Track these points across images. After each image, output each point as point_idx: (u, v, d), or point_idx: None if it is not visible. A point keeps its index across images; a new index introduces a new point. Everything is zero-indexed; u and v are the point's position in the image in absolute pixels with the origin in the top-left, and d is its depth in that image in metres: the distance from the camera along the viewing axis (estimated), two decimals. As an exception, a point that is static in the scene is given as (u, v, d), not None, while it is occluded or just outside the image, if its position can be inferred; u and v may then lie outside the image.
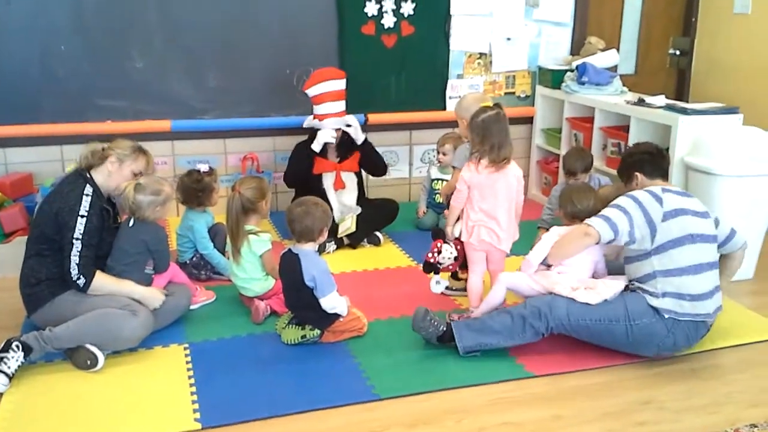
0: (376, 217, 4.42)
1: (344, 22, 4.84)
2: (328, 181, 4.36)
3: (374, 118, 4.98)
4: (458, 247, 3.35)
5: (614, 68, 5.14)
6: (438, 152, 4.66)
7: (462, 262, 3.40)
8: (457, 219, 3.33)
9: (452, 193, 3.64)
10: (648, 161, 3.17)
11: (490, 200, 3.19)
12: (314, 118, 4.39)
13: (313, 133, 4.39)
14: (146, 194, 3.16)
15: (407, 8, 4.92)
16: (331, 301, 3.03)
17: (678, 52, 5.76)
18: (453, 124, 5.12)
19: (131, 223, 3.19)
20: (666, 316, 2.91)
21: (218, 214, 3.87)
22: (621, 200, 3.01)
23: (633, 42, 5.70)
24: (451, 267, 3.42)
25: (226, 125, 4.82)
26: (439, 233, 3.43)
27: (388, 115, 5.07)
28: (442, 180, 4.66)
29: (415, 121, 5.16)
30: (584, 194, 3.32)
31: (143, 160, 3.29)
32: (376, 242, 4.38)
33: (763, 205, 3.76)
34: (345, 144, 4.44)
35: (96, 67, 4.49)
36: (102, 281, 3.05)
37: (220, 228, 3.90)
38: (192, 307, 3.44)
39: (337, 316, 3.10)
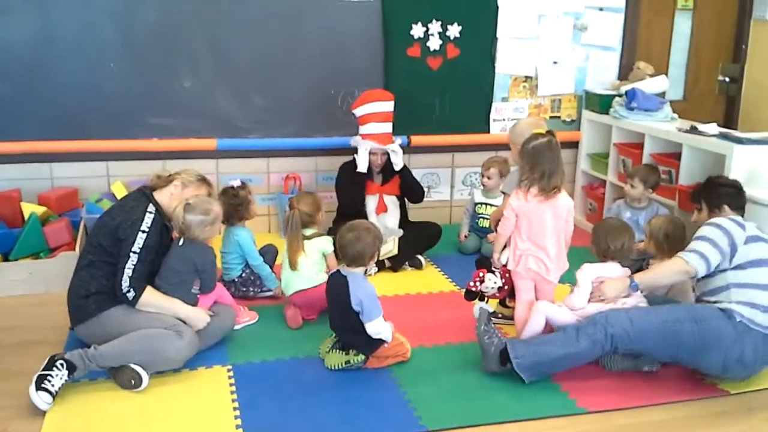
0: (418, 240, 4.38)
1: (390, 44, 4.83)
2: (370, 204, 4.34)
3: (417, 140, 4.95)
4: (506, 275, 3.28)
5: (662, 94, 5.05)
6: (482, 176, 4.61)
7: (510, 291, 3.32)
8: (504, 246, 3.26)
9: (500, 220, 3.61)
10: (736, 196, 3.28)
11: (538, 229, 3.12)
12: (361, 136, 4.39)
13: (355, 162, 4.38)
14: (196, 214, 3.16)
15: (453, 31, 4.90)
16: (377, 327, 2.99)
17: (727, 79, 5.64)
18: (496, 147, 5.15)
19: (181, 242, 3.18)
20: (737, 320, 2.88)
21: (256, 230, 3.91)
22: (708, 231, 3.04)
23: (681, 67, 5.60)
24: (497, 295, 3.35)
25: (270, 145, 4.83)
26: (483, 262, 3.37)
27: (432, 137, 5.03)
28: (486, 204, 4.60)
29: (459, 143, 5.12)
30: (618, 233, 3.22)
31: (205, 189, 3.34)
32: (418, 265, 4.33)
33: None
34: (388, 168, 4.42)
35: (144, 86, 4.53)
36: (151, 297, 3.04)
37: (270, 248, 3.99)
38: (235, 327, 3.42)
39: (381, 341, 3.05)
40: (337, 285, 3.02)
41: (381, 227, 4.27)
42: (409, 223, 4.50)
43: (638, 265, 3.90)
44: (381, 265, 4.24)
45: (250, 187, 3.91)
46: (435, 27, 4.86)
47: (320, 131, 4.87)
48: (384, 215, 4.35)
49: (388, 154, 4.35)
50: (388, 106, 4.41)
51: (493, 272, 3.30)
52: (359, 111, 4.37)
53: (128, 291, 2.98)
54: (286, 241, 3.56)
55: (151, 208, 3.11)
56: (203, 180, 3.35)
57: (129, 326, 2.99)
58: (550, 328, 3.14)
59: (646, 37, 5.38)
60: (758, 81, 5.48)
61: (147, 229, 3.03)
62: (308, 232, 3.57)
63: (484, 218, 4.61)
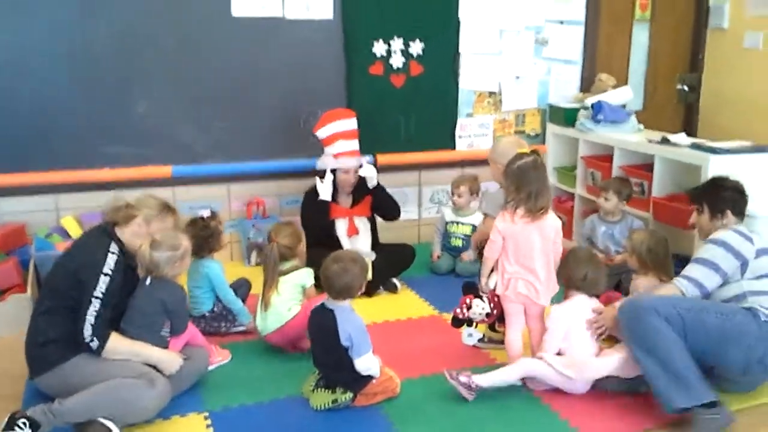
0: (392, 263, 4.22)
1: (352, 63, 4.69)
2: (341, 227, 4.18)
3: (383, 159, 4.81)
4: (494, 299, 3.16)
5: (623, 105, 5.03)
6: (452, 194, 4.50)
7: (499, 315, 3.19)
8: (492, 270, 3.13)
9: (485, 242, 3.49)
10: (739, 201, 3.11)
11: (526, 252, 3.00)
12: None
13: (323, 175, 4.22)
14: (163, 250, 2.94)
15: (416, 48, 4.79)
16: (367, 362, 2.82)
17: (686, 88, 5.69)
18: (463, 164, 5.07)
19: (148, 281, 2.95)
20: (762, 319, 2.82)
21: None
22: (710, 252, 2.93)
23: (641, 77, 5.62)
24: (485, 321, 3.22)
25: (230, 170, 4.62)
26: (470, 287, 3.23)
27: (397, 155, 4.90)
28: (458, 223, 4.50)
29: (425, 161, 5.01)
30: (582, 263, 3.11)
31: (171, 218, 3.12)
32: (393, 289, 4.17)
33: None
34: (357, 188, 4.26)
35: (94, 111, 4.27)
36: (117, 344, 2.80)
37: (242, 282, 3.81)
38: (209, 368, 3.19)
39: (370, 377, 2.88)
40: (322, 320, 2.84)
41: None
42: (380, 246, 4.35)
43: (616, 279, 3.84)
44: (355, 291, 4.07)
45: (219, 217, 3.68)
46: (397, 44, 4.74)
47: (283, 153, 4.69)
48: (356, 238, 4.19)
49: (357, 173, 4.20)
50: (352, 123, 4.28)
51: (480, 297, 3.17)
52: (324, 132, 4.21)
53: (91, 340, 2.73)
54: (263, 278, 3.35)
55: (113, 247, 2.87)
56: (166, 208, 3.13)
57: (95, 376, 2.74)
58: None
59: (605, 49, 5.38)
60: (716, 89, 5.54)
61: (110, 272, 2.79)
62: (286, 265, 3.37)
63: (456, 237, 4.50)
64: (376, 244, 4.31)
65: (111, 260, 2.81)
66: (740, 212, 3.13)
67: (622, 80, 5.38)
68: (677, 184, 4.15)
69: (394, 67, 4.78)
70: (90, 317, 2.72)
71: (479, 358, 3.34)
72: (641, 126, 4.74)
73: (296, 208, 4.70)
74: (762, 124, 5.09)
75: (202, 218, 3.58)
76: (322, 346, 2.88)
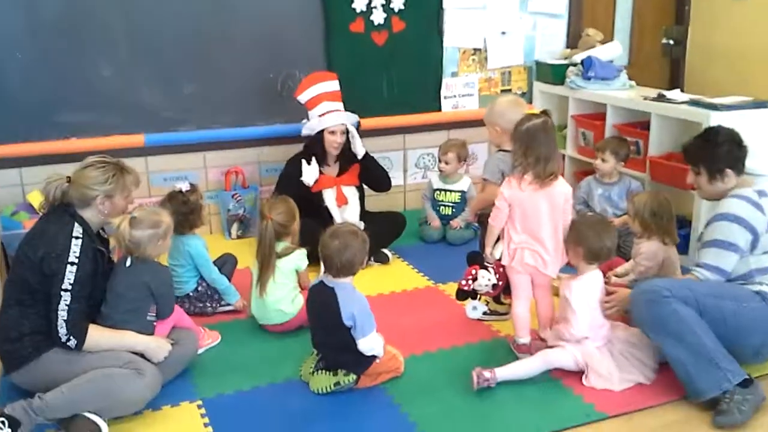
0: (383, 233, 4.02)
1: (331, 20, 4.42)
2: (329, 197, 3.96)
3: (366, 122, 4.56)
4: (500, 270, 3.00)
5: (611, 61, 4.86)
6: (439, 160, 4.31)
7: (505, 287, 3.04)
8: (498, 239, 2.96)
9: (483, 210, 3.32)
10: (738, 155, 2.86)
11: (533, 220, 2.83)
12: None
13: (309, 147, 3.97)
14: (144, 228, 2.70)
15: (397, 3, 4.53)
16: (371, 342, 2.65)
17: (671, 42, 5.53)
18: (449, 126, 4.87)
19: (128, 262, 2.72)
20: None
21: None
22: (725, 230, 2.71)
23: (626, 33, 5.44)
24: (491, 293, 3.07)
25: (206, 137, 4.35)
26: (475, 257, 3.07)
27: (381, 119, 4.67)
28: (445, 191, 4.34)
29: (409, 124, 4.79)
30: (602, 233, 2.80)
31: (130, 178, 2.77)
32: (385, 260, 3.99)
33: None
34: (344, 155, 4.03)
35: (55, 78, 3.96)
36: (98, 337, 2.58)
37: (228, 258, 3.59)
38: (198, 352, 2.99)
39: (374, 357, 2.71)
40: (322, 299, 2.65)
41: (340, 220, 3.95)
42: (369, 215, 4.15)
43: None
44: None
45: (200, 190, 3.43)
46: (378, -1, 4.49)
47: (261, 119, 4.44)
48: (344, 208, 3.99)
49: (347, 134, 3.97)
50: (335, 85, 4.05)
51: (486, 268, 3.01)
52: (306, 95, 3.98)
53: (68, 339, 2.50)
54: (257, 259, 3.13)
55: (77, 230, 2.59)
56: (118, 171, 2.71)
57: (76, 368, 2.53)
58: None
59: (590, 2, 5.18)
60: (703, 42, 5.39)
61: (76, 260, 2.53)
62: (280, 246, 3.14)
63: (444, 205, 4.35)
64: (364, 214, 4.11)
65: (76, 246, 2.55)
66: (740, 167, 2.89)
67: (608, 35, 5.20)
68: (674, 142, 4.01)
69: (375, 23, 4.52)
70: (62, 313, 2.49)
71: (483, 331, 3.20)
72: (633, 82, 4.59)
73: (277, 177, 4.47)
74: (752, 77, 4.97)
75: (180, 192, 3.33)
76: (323, 327, 2.70)
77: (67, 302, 2.49)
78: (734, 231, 2.70)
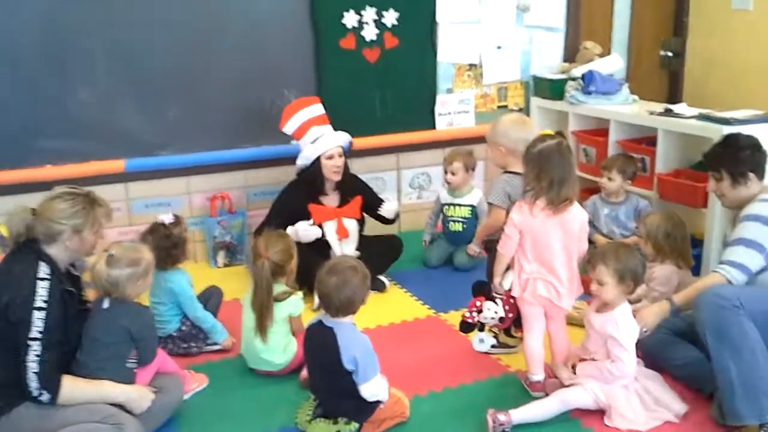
0: (378, 258, 3.78)
1: (320, 36, 4.21)
2: (330, 229, 3.72)
3: (358, 142, 4.36)
4: (510, 302, 2.79)
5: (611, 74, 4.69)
6: (445, 172, 4.08)
7: (515, 319, 2.83)
8: (507, 268, 2.75)
9: (489, 236, 3.12)
10: (760, 159, 2.79)
11: (546, 249, 2.62)
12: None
13: (306, 176, 3.75)
14: (122, 267, 2.47)
15: (390, 18, 4.34)
16: (374, 388, 2.42)
17: (670, 54, 5.38)
18: (444, 144, 4.68)
19: (106, 304, 2.48)
20: None
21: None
22: (752, 230, 2.62)
23: (624, 45, 5.29)
24: (499, 326, 2.86)
25: (189, 161, 4.12)
26: (481, 288, 2.86)
27: (373, 138, 4.46)
28: (454, 205, 4.09)
29: (403, 143, 4.58)
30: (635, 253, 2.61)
31: (101, 211, 2.53)
32: (381, 288, 3.76)
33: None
34: (344, 183, 3.80)
35: (30, 102, 3.72)
36: (73, 389, 2.33)
37: (213, 291, 3.34)
38: (183, 398, 2.74)
39: (378, 403, 2.48)
40: (321, 340, 2.42)
41: (339, 254, 3.74)
42: (362, 239, 3.93)
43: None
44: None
45: (184, 222, 3.19)
46: (369, 14, 4.28)
47: (247, 141, 4.21)
48: (345, 240, 3.75)
49: (346, 157, 3.77)
50: (319, 108, 3.84)
51: (492, 299, 2.79)
52: (292, 125, 3.75)
53: (40, 393, 2.26)
54: (252, 301, 2.86)
55: (43, 270, 2.34)
56: (88, 203, 2.47)
57: (50, 425, 2.29)
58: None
59: (588, 14, 5.02)
60: (702, 54, 5.24)
61: (44, 305, 2.29)
62: (277, 288, 2.88)
63: (454, 221, 4.08)
64: (360, 238, 3.89)
65: (42, 289, 2.30)
66: (762, 171, 2.81)
67: (606, 48, 5.04)
68: (682, 158, 3.85)
69: (367, 39, 4.32)
70: (32, 365, 2.24)
71: (491, 366, 2.98)
72: (635, 96, 4.42)
73: (267, 201, 4.25)
74: (751, 89, 4.81)
75: (163, 225, 3.09)
76: (321, 370, 2.47)
77: (38, 352, 2.25)
78: (761, 232, 2.61)
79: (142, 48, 3.86)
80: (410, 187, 4.72)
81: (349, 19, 4.24)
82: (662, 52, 5.41)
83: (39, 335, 2.25)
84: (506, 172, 3.12)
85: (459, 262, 4.01)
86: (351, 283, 2.39)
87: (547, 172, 2.57)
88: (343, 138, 3.78)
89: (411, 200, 4.71)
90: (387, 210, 3.85)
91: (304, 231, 3.55)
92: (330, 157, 3.67)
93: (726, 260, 2.62)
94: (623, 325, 2.52)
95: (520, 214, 2.64)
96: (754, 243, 2.60)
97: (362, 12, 4.26)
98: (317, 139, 3.68)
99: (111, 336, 2.45)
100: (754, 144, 2.84)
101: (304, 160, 3.72)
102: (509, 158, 3.08)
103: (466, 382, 2.85)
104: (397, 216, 4.00)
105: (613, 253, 2.51)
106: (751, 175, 2.77)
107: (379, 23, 4.32)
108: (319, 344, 2.43)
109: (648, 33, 5.33)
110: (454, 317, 3.42)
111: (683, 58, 5.35)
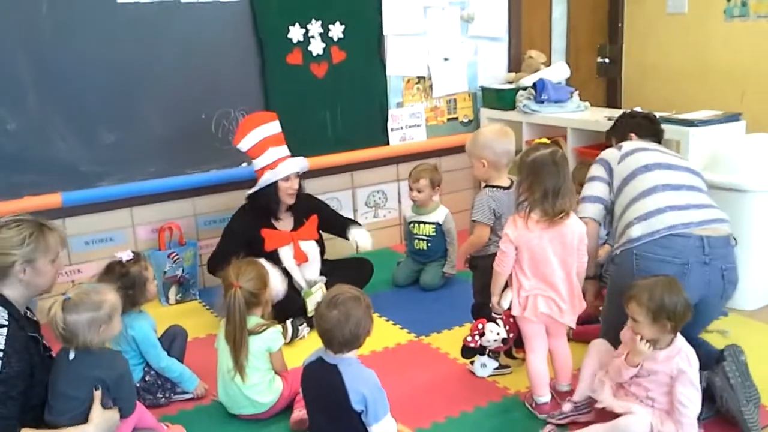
0: (349, 283, 3.57)
1: (266, 52, 4.00)
2: (286, 255, 3.49)
3: (310, 162, 4.09)
4: (510, 321, 2.66)
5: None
6: (411, 189, 3.93)
7: (516, 338, 2.70)
8: (505, 286, 2.62)
9: (472, 255, 3.00)
10: (645, 126, 3.08)
11: (544, 263, 2.51)
12: (260, 174, 3.49)
13: (258, 199, 3.51)
14: (81, 312, 2.17)
15: (336, 31, 4.17)
16: (386, 427, 2.22)
17: (607, 60, 5.46)
18: (398, 160, 4.53)
19: (72, 355, 2.18)
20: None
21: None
22: (592, 170, 2.87)
23: (562, 53, 5.33)
24: (502, 347, 2.72)
25: (132, 191, 3.80)
26: (480, 309, 2.71)
27: (326, 157, 4.27)
28: (419, 223, 3.94)
29: (357, 160, 4.41)
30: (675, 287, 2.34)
31: (53, 237, 2.30)
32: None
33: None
34: (297, 204, 3.59)
35: (-52, 134, 3.33)
36: None
37: (176, 331, 3.02)
38: (163, 455, 2.47)
39: (386, 443, 2.29)
40: (324, 380, 2.21)
41: (302, 281, 3.53)
42: (329, 264, 3.72)
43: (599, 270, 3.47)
44: (311, 322, 3.42)
45: (145, 259, 2.90)
46: (315, 28, 4.10)
47: (194, 165, 3.94)
48: (305, 265, 3.53)
49: (300, 179, 3.57)
50: (276, 126, 3.59)
51: (494, 321, 2.66)
52: (247, 142, 3.48)
53: None
54: (225, 337, 2.63)
55: (0, 316, 2.08)
56: (35, 226, 2.25)
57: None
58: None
59: (528, 24, 5.02)
60: (637, 59, 5.34)
61: (1, 354, 2.02)
62: (252, 321, 2.65)
63: (419, 239, 3.94)
64: (325, 264, 3.68)
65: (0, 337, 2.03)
66: (648, 135, 3.02)
67: (546, 56, 5.05)
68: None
69: (314, 54, 4.14)
70: None
71: (489, 390, 2.83)
72: (587, 103, 4.42)
73: (219, 229, 3.98)
74: (689, 92, 4.93)
75: (120, 263, 2.79)
76: (325, 413, 2.25)
77: None
78: (597, 167, 2.86)
79: (74, 70, 3.54)
80: (366, 206, 4.55)
81: (295, 33, 4.05)
82: (599, 59, 5.48)
83: None
84: (488, 186, 3.00)
85: (425, 282, 3.87)
86: (354, 316, 2.19)
87: (541, 183, 2.46)
88: (300, 163, 3.58)
89: (367, 219, 4.54)
90: (363, 245, 3.66)
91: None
92: (286, 179, 3.47)
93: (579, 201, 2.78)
94: (694, 360, 2.31)
95: (515, 228, 2.52)
96: (593, 177, 2.82)
97: (308, 26, 4.07)
98: (275, 162, 3.45)
99: (83, 390, 2.16)
100: (646, 116, 3.20)
101: (264, 182, 3.47)
102: (492, 171, 2.97)
103: (467, 410, 2.69)
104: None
105: (647, 291, 2.27)
106: (633, 136, 3.01)
107: (325, 37, 4.14)
108: (323, 384, 2.22)
109: (584, 40, 5.40)
110: (436, 340, 3.28)
111: (620, 64, 5.44)
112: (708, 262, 2.47)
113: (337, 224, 3.77)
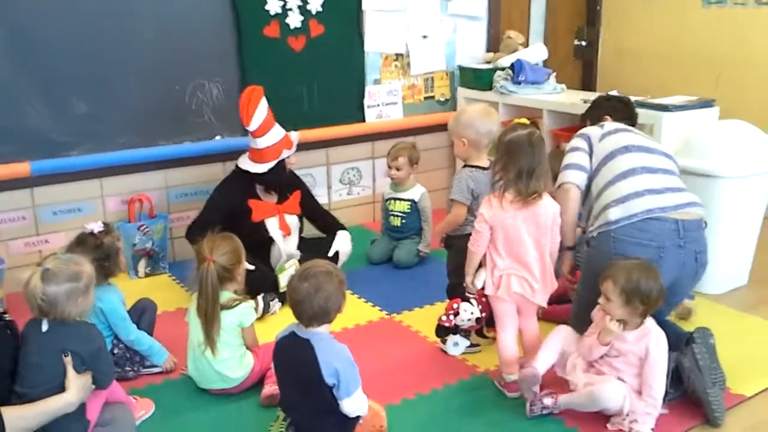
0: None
1: (243, 23, 3.93)
2: (273, 226, 3.49)
3: (286, 137, 4.11)
4: (482, 300, 2.67)
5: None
6: (390, 167, 3.92)
7: (488, 318, 2.72)
8: (479, 266, 2.63)
9: (448, 234, 3.00)
10: (620, 109, 3.09)
11: (518, 243, 2.52)
12: (269, 152, 3.43)
13: (243, 176, 3.47)
14: (60, 282, 2.13)
15: (315, 4, 4.11)
16: (357, 402, 2.22)
17: (584, 43, 5.47)
18: (373, 137, 4.51)
19: (45, 327, 2.14)
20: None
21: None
22: (572, 142, 2.88)
23: (540, 35, 5.33)
24: (475, 326, 2.74)
25: (102, 161, 3.73)
26: (455, 289, 2.72)
27: (301, 132, 4.18)
28: (396, 199, 3.94)
29: (332, 137, 4.38)
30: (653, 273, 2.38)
31: None
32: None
33: (758, 205, 3.47)
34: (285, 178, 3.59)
35: None
36: (12, 418, 2.00)
37: (145, 305, 2.98)
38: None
39: (358, 418, 2.29)
40: (296, 354, 2.20)
41: (283, 254, 3.51)
42: (303, 241, 3.71)
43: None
44: (283, 298, 3.41)
45: (115, 230, 2.85)
46: (294, 0, 4.04)
47: (166, 137, 3.87)
48: (286, 239, 3.52)
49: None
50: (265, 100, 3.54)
51: (467, 300, 2.66)
52: (257, 121, 3.36)
53: None
54: (196, 311, 2.61)
55: None
56: None
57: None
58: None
59: (506, 4, 5.00)
60: (613, 43, 5.37)
61: None
62: (224, 296, 2.63)
63: (394, 215, 3.95)
64: (301, 241, 3.67)
65: None
66: (622, 119, 3.01)
67: (525, 38, 5.04)
68: (617, 146, 3.87)
69: (292, 27, 4.08)
70: None
71: (459, 368, 2.84)
72: (563, 85, 4.43)
73: (190, 202, 3.95)
74: (665, 77, 4.97)
75: (92, 234, 2.74)
76: (296, 387, 2.24)
77: None
78: (573, 141, 2.89)
79: (45, 35, 3.45)
80: (340, 183, 4.53)
81: (273, 4, 3.99)
82: (576, 42, 5.49)
83: None
84: (467, 165, 3.00)
85: (398, 258, 3.87)
86: (325, 289, 2.18)
87: (515, 163, 2.47)
88: (297, 138, 3.60)
89: (341, 196, 4.53)
90: (344, 252, 3.66)
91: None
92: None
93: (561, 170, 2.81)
94: (663, 342, 2.38)
95: (490, 208, 2.52)
96: (575, 148, 2.82)
97: (286, -2, 4.02)
98: (285, 137, 3.48)
99: (55, 363, 2.11)
100: (620, 99, 3.20)
101: (277, 161, 3.44)
102: (472, 151, 2.96)
103: (437, 387, 2.71)
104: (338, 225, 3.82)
105: (625, 272, 2.32)
106: (608, 118, 3.02)
107: (303, 9, 4.09)
108: (294, 358, 2.21)
109: (562, 23, 5.41)
110: (408, 318, 3.29)
111: (596, 47, 5.46)
112: (683, 245, 2.51)
113: (320, 216, 3.80)
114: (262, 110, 3.36)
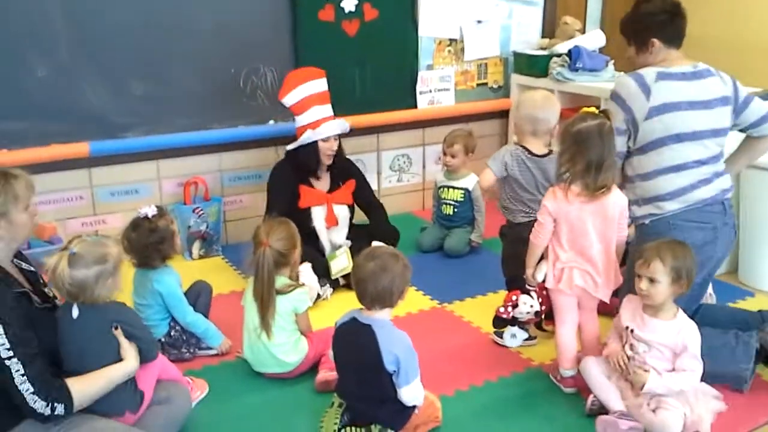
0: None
1: (298, 8, 3.92)
2: (318, 216, 3.48)
3: (337, 122, 4.10)
4: (543, 293, 2.63)
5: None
6: (444, 153, 3.89)
7: (547, 312, 2.68)
8: (541, 258, 2.58)
9: (502, 225, 2.97)
10: (669, 23, 2.66)
11: (582, 236, 2.47)
12: (300, 132, 3.46)
13: (298, 156, 3.48)
14: (88, 266, 2.11)
15: (370, -13, 4.08)
16: (415, 391, 2.22)
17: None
18: (425, 124, 4.47)
19: (75, 312, 2.14)
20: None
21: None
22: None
23: (596, 20, 5.20)
24: (533, 319, 2.70)
25: (159, 143, 3.77)
26: (515, 280, 2.68)
27: (353, 117, 4.14)
28: (450, 188, 3.91)
29: (384, 122, 4.35)
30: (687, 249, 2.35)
31: (20, 184, 2.15)
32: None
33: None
34: (335, 166, 3.58)
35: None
36: (82, 389, 2.05)
37: (201, 287, 3.01)
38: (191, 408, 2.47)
39: (414, 407, 2.29)
40: (357, 339, 2.19)
41: (327, 243, 3.51)
42: (354, 228, 3.70)
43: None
44: (335, 284, 3.42)
45: (169, 213, 2.87)
46: (349, -17, 4.02)
47: (221, 121, 3.89)
48: (334, 230, 3.52)
49: (340, 140, 3.54)
50: (323, 84, 3.56)
51: (527, 293, 2.63)
52: (292, 97, 3.45)
53: (53, 408, 1.97)
54: (252, 294, 2.63)
55: None
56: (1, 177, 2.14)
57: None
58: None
59: (563, -12, 4.90)
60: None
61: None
62: (279, 281, 2.64)
63: (447, 203, 3.92)
64: (350, 228, 3.66)
65: None
66: (674, 36, 2.68)
67: (581, 23, 4.93)
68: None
69: (346, 11, 4.05)
70: (25, 386, 1.94)
71: (513, 360, 2.82)
72: (622, 73, 4.30)
73: (244, 186, 3.98)
74: (724, 64, 4.78)
75: (147, 218, 2.76)
76: (356, 373, 2.24)
77: (22, 371, 1.94)
78: (611, 108, 2.58)
79: (105, 19, 3.48)
80: (390, 170, 4.51)
81: (328, -12, 3.97)
82: (634, 28, 5.34)
83: (9, 353, 1.93)
84: (518, 144, 2.97)
85: (450, 247, 3.84)
86: (390, 270, 2.16)
87: (584, 155, 2.40)
88: (342, 125, 3.56)
89: (391, 183, 4.50)
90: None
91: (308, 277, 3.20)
92: (326, 140, 3.44)
93: None
94: (695, 333, 2.31)
95: (554, 200, 2.47)
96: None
97: (341, -19, 3.99)
98: (318, 122, 3.44)
99: (98, 342, 2.13)
100: (664, 8, 2.70)
101: (300, 142, 3.44)
102: (527, 136, 2.92)
103: (491, 379, 2.69)
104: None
105: (670, 250, 2.29)
106: (655, 41, 2.67)
107: (358, -7, 4.06)
108: (355, 343, 2.20)
109: (621, 7, 5.22)
110: (459, 308, 3.27)
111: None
112: (728, 222, 2.65)
113: (371, 211, 3.78)
114: (308, 88, 3.39)
